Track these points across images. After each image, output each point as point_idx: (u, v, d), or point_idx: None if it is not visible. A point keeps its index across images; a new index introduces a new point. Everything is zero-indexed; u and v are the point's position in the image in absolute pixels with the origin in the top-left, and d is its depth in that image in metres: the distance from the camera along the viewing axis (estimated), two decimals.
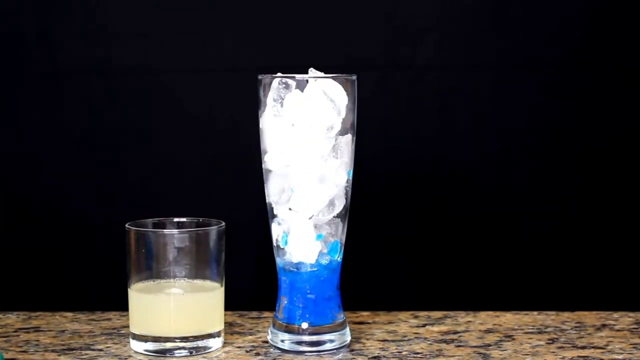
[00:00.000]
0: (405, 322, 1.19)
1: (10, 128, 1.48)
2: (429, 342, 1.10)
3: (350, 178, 1.08)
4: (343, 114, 1.05)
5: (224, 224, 1.09)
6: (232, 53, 1.47)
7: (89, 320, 1.20)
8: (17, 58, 1.47)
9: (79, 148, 1.48)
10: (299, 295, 1.07)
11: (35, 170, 1.48)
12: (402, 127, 1.47)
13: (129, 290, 1.08)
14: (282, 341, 1.08)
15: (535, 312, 1.23)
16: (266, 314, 1.22)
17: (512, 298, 1.45)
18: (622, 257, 1.48)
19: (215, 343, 1.08)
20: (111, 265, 1.34)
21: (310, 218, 1.05)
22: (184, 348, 1.06)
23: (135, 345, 1.07)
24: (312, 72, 1.06)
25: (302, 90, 1.04)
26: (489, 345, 1.09)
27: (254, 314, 1.22)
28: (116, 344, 1.10)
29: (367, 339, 1.12)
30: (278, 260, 1.09)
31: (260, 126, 1.08)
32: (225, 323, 1.11)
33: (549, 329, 1.15)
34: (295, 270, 1.07)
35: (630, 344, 1.09)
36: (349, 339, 1.09)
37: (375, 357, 1.05)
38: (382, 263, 1.49)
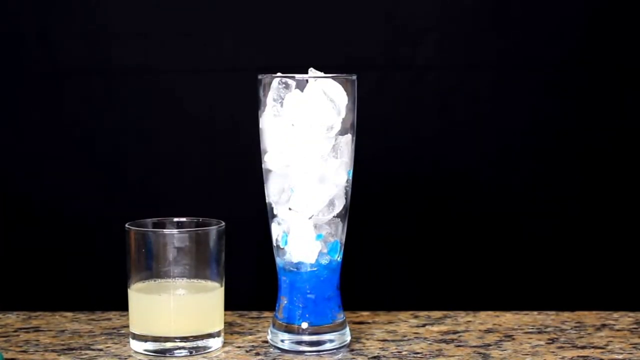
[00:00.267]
0: (405, 322, 1.19)
1: (10, 128, 1.48)
2: (429, 342, 1.10)
3: (350, 178, 1.08)
4: (343, 114, 1.05)
5: (224, 224, 1.09)
6: (232, 53, 1.47)
7: (89, 320, 1.20)
8: (17, 58, 1.47)
9: (79, 148, 1.48)
10: (299, 295, 1.07)
11: (35, 170, 1.48)
12: (402, 127, 1.47)
13: (129, 290, 1.08)
14: (282, 341, 1.08)
15: (535, 312, 1.23)
16: (266, 314, 1.22)
17: (512, 298, 1.45)
18: (622, 257, 1.48)
19: (215, 343, 1.08)
20: (111, 265, 1.34)
21: (310, 218, 1.05)
22: (183, 348, 1.06)
23: (135, 345, 1.07)
24: (312, 72, 1.06)
25: (302, 90, 1.04)
26: (489, 345, 1.09)
27: (254, 314, 1.22)
28: (116, 344, 1.10)
29: (367, 339, 1.12)
30: (278, 260, 1.09)
31: (260, 126, 1.08)
32: (225, 323, 1.11)
33: (549, 329, 1.15)
34: (295, 270, 1.07)
35: (630, 344, 1.09)
36: (348, 339, 1.09)
37: (375, 357, 1.05)
38: (382, 263, 1.49)
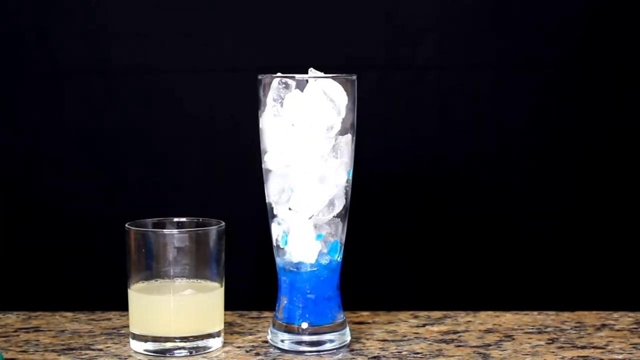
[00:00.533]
0: (405, 322, 1.19)
1: (10, 128, 1.48)
2: (429, 342, 1.10)
3: (350, 178, 1.08)
4: (343, 114, 1.05)
5: (224, 224, 1.09)
6: (232, 53, 1.47)
7: (89, 320, 1.20)
8: (17, 58, 1.47)
9: (79, 148, 1.48)
10: (299, 295, 1.07)
11: (35, 170, 1.49)
12: (402, 127, 1.47)
13: (129, 290, 1.08)
14: (282, 341, 1.08)
15: (535, 312, 1.23)
16: (266, 314, 1.22)
17: (512, 298, 1.45)
18: (622, 257, 1.48)
19: (215, 343, 1.08)
20: (111, 265, 1.34)
21: (310, 218, 1.05)
22: (183, 348, 1.06)
23: (135, 345, 1.07)
24: (312, 72, 1.06)
25: (302, 90, 1.04)
26: (489, 345, 1.09)
27: (254, 314, 1.22)
28: (116, 344, 1.10)
29: (367, 339, 1.12)
30: (278, 260, 1.09)
31: (260, 126, 1.08)
32: (225, 323, 1.11)
33: (549, 329, 1.15)
34: (295, 270, 1.07)
35: (630, 344, 1.09)
36: (348, 339, 1.09)
37: (375, 357, 1.05)
38: (382, 263, 1.49)
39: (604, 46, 1.45)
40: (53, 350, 1.07)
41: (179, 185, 1.49)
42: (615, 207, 1.47)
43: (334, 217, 1.06)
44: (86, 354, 1.06)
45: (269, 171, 1.07)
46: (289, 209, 1.06)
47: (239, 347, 1.09)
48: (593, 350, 1.07)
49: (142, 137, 1.49)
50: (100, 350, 1.07)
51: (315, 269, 1.06)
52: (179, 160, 1.49)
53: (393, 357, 1.05)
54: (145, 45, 1.47)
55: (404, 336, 1.13)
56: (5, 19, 1.47)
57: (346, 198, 1.07)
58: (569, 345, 1.09)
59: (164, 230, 1.08)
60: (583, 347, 1.08)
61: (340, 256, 1.08)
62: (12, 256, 1.49)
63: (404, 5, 1.45)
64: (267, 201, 1.08)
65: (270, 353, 1.07)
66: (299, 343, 1.07)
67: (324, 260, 1.07)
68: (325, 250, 1.06)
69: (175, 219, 1.11)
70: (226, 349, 1.08)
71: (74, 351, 1.07)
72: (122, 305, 1.13)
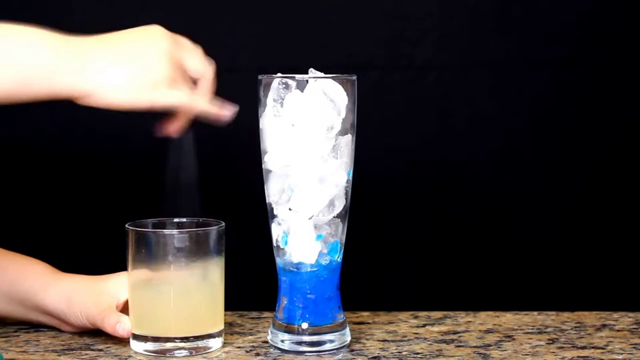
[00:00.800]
0: (405, 322, 1.19)
1: (10, 128, 1.48)
2: (429, 342, 1.10)
3: (350, 178, 1.08)
4: (343, 114, 1.05)
5: (223, 224, 1.09)
6: (232, 53, 1.46)
7: None
8: None
9: (79, 148, 1.48)
10: (299, 295, 1.07)
11: (35, 170, 1.48)
12: (402, 127, 1.47)
13: (129, 290, 1.08)
14: (282, 341, 1.08)
15: (535, 312, 1.23)
16: (266, 314, 1.22)
17: (512, 298, 1.45)
18: (622, 257, 1.48)
19: (215, 343, 1.08)
20: (111, 265, 1.34)
21: (310, 218, 1.05)
22: (184, 348, 1.06)
23: (135, 346, 1.07)
24: (312, 72, 1.06)
25: (302, 91, 1.04)
26: (489, 345, 1.09)
27: (254, 314, 1.22)
28: (116, 344, 1.10)
29: (367, 339, 1.12)
30: (278, 260, 1.08)
31: (260, 126, 1.08)
32: (225, 323, 1.11)
33: (549, 329, 1.15)
34: (295, 270, 1.07)
35: (630, 344, 1.09)
36: (349, 339, 1.09)
37: (375, 357, 1.05)
38: (382, 263, 1.49)
39: (604, 46, 1.45)
40: (53, 351, 1.07)
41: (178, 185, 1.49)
42: (615, 207, 1.47)
43: (334, 217, 1.06)
44: (86, 354, 1.06)
45: (269, 171, 1.07)
46: (289, 209, 1.06)
47: (239, 347, 1.09)
48: (593, 350, 1.07)
49: (142, 136, 1.48)
50: (100, 350, 1.07)
51: (315, 269, 1.06)
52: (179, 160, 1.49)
53: (393, 357, 1.05)
54: None
55: (404, 336, 1.13)
56: (5, 19, 1.47)
57: (346, 198, 1.07)
58: (569, 345, 1.09)
59: (164, 230, 1.08)
60: (583, 348, 1.08)
61: (340, 256, 1.08)
62: None
63: (404, 6, 1.45)
64: (267, 201, 1.08)
65: (270, 353, 1.07)
66: (299, 343, 1.07)
67: (324, 261, 1.06)
68: (325, 251, 1.06)
69: (175, 219, 1.11)
70: (226, 349, 1.08)
71: (74, 351, 1.07)
72: None
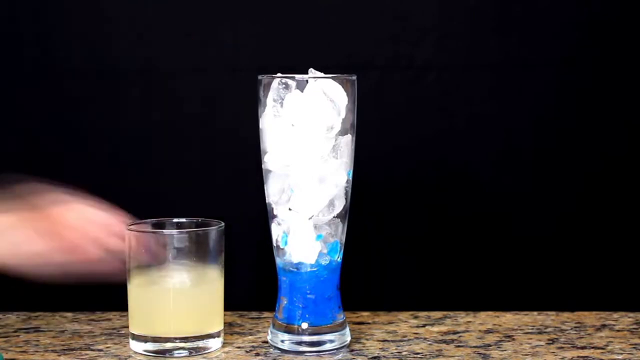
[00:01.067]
0: (405, 322, 1.19)
1: (10, 128, 1.48)
2: (429, 342, 1.10)
3: (350, 178, 1.08)
4: (343, 114, 1.05)
5: (223, 224, 1.09)
6: (232, 53, 1.46)
7: (89, 321, 1.20)
8: (17, 58, 1.47)
9: (79, 148, 1.48)
10: (298, 295, 1.07)
11: (35, 170, 1.48)
12: (402, 127, 1.47)
13: (129, 290, 1.08)
14: (282, 341, 1.08)
15: (535, 312, 1.23)
16: (266, 314, 1.22)
17: (512, 298, 1.45)
18: (622, 257, 1.48)
19: (215, 343, 1.08)
20: None
21: (310, 218, 1.05)
22: (183, 348, 1.06)
23: (135, 346, 1.07)
24: (312, 72, 1.06)
25: (302, 91, 1.04)
26: (489, 345, 1.09)
27: (254, 314, 1.22)
28: (116, 344, 1.10)
29: (367, 339, 1.12)
30: (278, 260, 1.08)
31: (260, 126, 1.08)
32: (225, 323, 1.11)
33: (549, 329, 1.15)
34: (295, 270, 1.07)
35: (630, 344, 1.09)
36: (348, 339, 1.09)
37: (375, 357, 1.05)
38: (382, 263, 1.49)
39: (604, 46, 1.45)
40: (53, 351, 1.07)
41: (179, 185, 1.49)
42: (615, 207, 1.47)
43: (334, 217, 1.06)
44: (86, 354, 1.06)
45: (269, 171, 1.07)
46: (289, 209, 1.06)
47: (239, 347, 1.09)
48: (593, 350, 1.07)
49: (142, 137, 1.49)
50: (100, 350, 1.07)
51: (315, 269, 1.06)
52: (179, 160, 1.49)
53: (393, 357, 1.05)
54: (145, 45, 1.47)
55: (404, 336, 1.13)
56: (5, 18, 1.47)
57: (346, 198, 1.07)
58: (569, 345, 1.09)
59: (164, 230, 1.08)
60: (583, 348, 1.08)
61: (340, 256, 1.08)
62: None
63: (404, 6, 1.45)
64: (267, 201, 1.08)
65: (270, 353, 1.07)
66: (299, 343, 1.07)
67: (324, 261, 1.07)
68: (325, 251, 1.06)
69: (175, 219, 1.11)
70: (226, 349, 1.08)
71: (74, 351, 1.07)
72: (122, 305, 1.13)
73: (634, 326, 1.17)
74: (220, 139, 1.48)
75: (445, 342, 1.10)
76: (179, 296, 1.06)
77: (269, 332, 1.10)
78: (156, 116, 1.48)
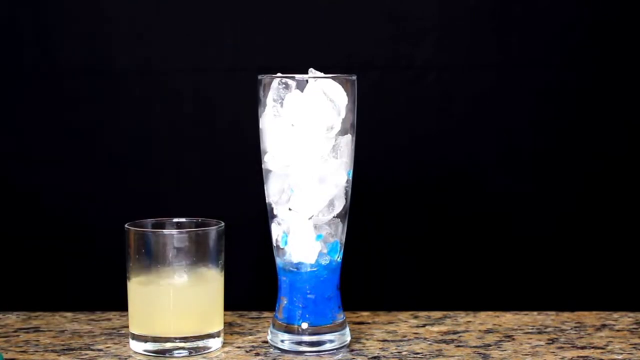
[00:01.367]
0: (405, 322, 1.19)
1: (10, 128, 1.48)
2: (428, 342, 1.10)
3: (350, 178, 1.08)
4: (343, 114, 1.05)
5: (223, 224, 1.09)
6: (232, 53, 1.46)
7: (89, 320, 1.20)
8: (17, 58, 1.47)
9: (79, 148, 1.48)
10: (298, 295, 1.07)
11: (35, 170, 1.48)
12: (402, 127, 1.47)
13: (129, 290, 1.08)
14: (282, 341, 1.08)
15: (535, 312, 1.23)
16: (266, 314, 1.22)
17: (512, 298, 1.45)
18: (622, 257, 1.48)
19: (215, 343, 1.08)
20: (111, 266, 1.34)
21: (310, 218, 1.05)
22: (183, 348, 1.06)
23: (135, 346, 1.07)
24: (312, 72, 1.06)
25: (302, 91, 1.04)
26: (489, 345, 1.09)
27: (254, 314, 1.22)
28: (116, 344, 1.10)
29: (367, 339, 1.12)
30: (278, 260, 1.08)
31: (260, 126, 1.08)
32: (225, 323, 1.11)
33: (548, 329, 1.15)
34: (295, 270, 1.07)
35: (630, 344, 1.09)
36: (348, 339, 1.09)
37: (375, 357, 1.05)
38: (382, 263, 1.49)
39: (604, 46, 1.45)
40: (53, 351, 1.07)
41: (179, 185, 1.49)
42: (615, 208, 1.47)
43: (334, 217, 1.06)
44: (86, 354, 1.06)
45: (269, 171, 1.07)
46: (289, 209, 1.06)
47: (238, 347, 1.09)
48: (593, 350, 1.07)
49: (142, 137, 1.49)
50: (100, 350, 1.07)
51: (315, 269, 1.06)
52: (179, 160, 1.49)
53: (393, 357, 1.05)
54: (145, 45, 1.47)
55: (404, 336, 1.13)
56: (5, 18, 1.47)
57: (346, 198, 1.07)
58: (569, 345, 1.09)
59: (164, 230, 1.08)
60: (583, 347, 1.08)
61: (340, 256, 1.08)
62: (12, 256, 1.49)
63: (404, 6, 1.45)
64: (267, 201, 1.08)
65: (270, 353, 1.07)
66: (299, 343, 1.07)
67: (324, 261, 1.07)
68: (325, 251, 1.06)
69: (175, 219, 1.11)
70: (226, 349, 1.08)
71: (74, 351, 1.07)
72: (122, 305, 1.13)
73: (634, 326, 1.17)
74: (220, 139, 1.48)
75: (445, 342, 1.10)
76: (179, 296, 1.06)
77: (269, 332, 1.10)
78: (156, 116, 1.49)
